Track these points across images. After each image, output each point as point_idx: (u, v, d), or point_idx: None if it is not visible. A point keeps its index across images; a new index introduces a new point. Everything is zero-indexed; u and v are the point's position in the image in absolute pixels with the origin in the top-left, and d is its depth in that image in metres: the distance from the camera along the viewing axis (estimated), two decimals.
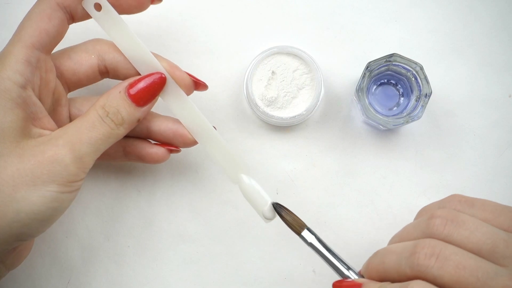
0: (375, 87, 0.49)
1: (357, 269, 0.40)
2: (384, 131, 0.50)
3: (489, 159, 0.49)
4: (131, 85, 0.40)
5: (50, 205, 0.37)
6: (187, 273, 0.49)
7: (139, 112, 0.40)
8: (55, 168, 0.37)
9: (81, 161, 0.38)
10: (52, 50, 0.41)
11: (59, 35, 0.40)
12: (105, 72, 0.43)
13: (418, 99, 0.46)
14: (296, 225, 0.41)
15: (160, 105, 0.44)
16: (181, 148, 0.45)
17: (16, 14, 0.49)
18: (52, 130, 0.40)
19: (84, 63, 0.42)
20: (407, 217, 0.48)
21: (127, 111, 0.40)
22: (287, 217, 0.41)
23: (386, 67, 0.47)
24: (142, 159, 0.44)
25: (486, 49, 0.50)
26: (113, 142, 0.40)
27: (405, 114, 0.47)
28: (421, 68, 0.45)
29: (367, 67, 0.46)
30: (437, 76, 0.50)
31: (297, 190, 0.49)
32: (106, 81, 0.45)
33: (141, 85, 0.41)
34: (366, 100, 0.46)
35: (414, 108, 0.46)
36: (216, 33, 0.51)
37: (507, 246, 0.33)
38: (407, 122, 0.46)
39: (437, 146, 0.50)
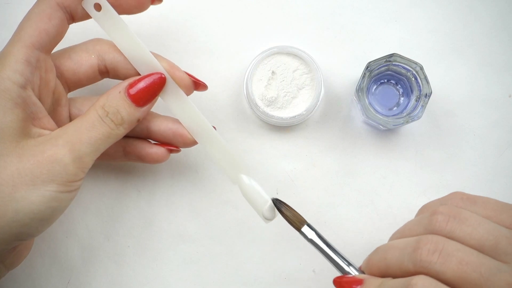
0: (375, 87, 0.49)
1: (358, 266, 0.40)
2: (384, 131, 0.50)
3: (489, 159, 0.49)
4: (131, 85, 0.40)
5: (49, 204, 0.37)
6: (187, 273, 0.49)
7: (139, 112, 0.40)
8: (55, 168, 0.37)
9: (80, 161, 0.38)
10: (52, 50, 0.41)
11: (59, 35, 0.40)
12: (105, 72, 0.43)
13: (418, 99, 0.46)
14: (296, 221, 0.41)
15: (160, 105, 0.44)
16: (181, 148, 0.45)
17: (16, 14, 0.49)
18: (52, 130, 0.40)
19: (84, 63, 0.42)
20: (407, 217, 0.48)
21: (127, 111, 0.40)
22: (287, 213, 0.41)
23: (386, 67, 0.47)
24: (142, 159, 0.44)
25: (486, 49, 0.50)
26: (113, 142, 0.40)
27: (405, 114, 0.47)
28: (421, 68, 0.45)
29: (367, 67, 0.46)
30: (437, 76, 0.50)
31: (297, 190, 0.49)
32: (106, 81, 0.45)
33: (141, 85, 0.41)
34: (366, 100, 0.46)
35: (414, 108, 0.46)
36: (216, 33, 0.51)
37: (509, 243, 0.34)
38: (407, 122, 0.46)
39: (437, 146, 0.50)
